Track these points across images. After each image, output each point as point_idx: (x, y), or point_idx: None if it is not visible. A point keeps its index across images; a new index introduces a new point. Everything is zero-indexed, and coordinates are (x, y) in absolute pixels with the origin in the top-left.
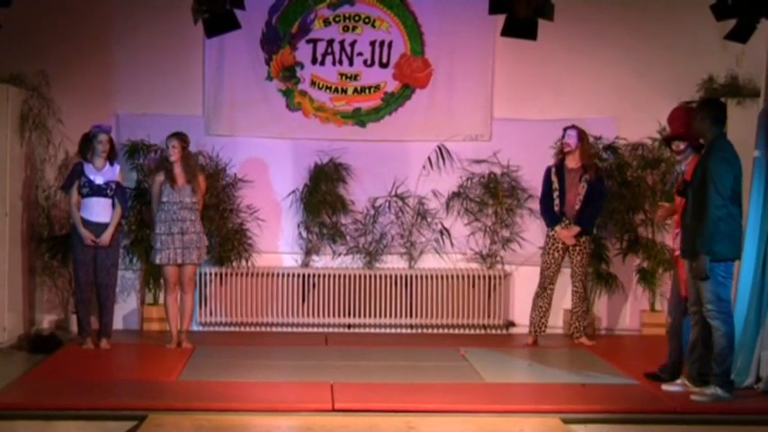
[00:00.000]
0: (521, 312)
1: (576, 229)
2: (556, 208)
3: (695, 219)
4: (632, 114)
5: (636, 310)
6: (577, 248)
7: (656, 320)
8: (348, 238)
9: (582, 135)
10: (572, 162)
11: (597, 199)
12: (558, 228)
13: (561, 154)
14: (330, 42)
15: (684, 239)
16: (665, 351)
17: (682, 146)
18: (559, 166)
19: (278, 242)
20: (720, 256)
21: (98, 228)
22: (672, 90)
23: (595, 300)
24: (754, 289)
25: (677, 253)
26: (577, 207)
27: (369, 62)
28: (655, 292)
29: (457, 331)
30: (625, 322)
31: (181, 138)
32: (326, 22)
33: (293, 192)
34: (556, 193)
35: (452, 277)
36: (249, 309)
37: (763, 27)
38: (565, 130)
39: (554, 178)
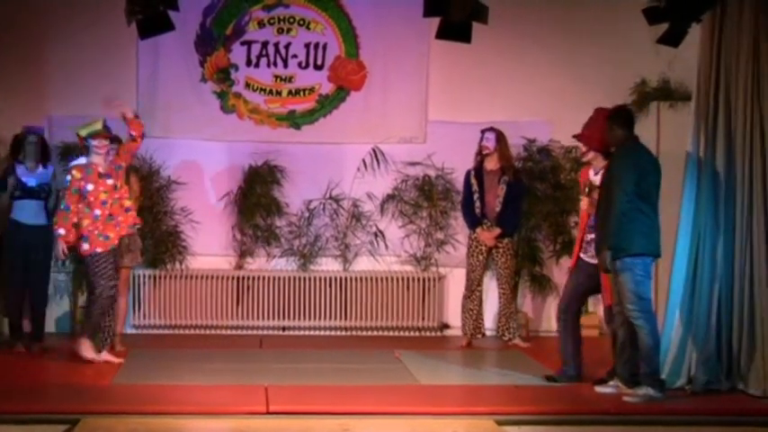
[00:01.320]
0: (455, 314)
1: (498, 230)
2: (477, 210)
3: (604, 217)
4: (566, 117)
5: None
6: (501, 250)
7: (590, 322)
8: (282, 240)
9: (500, 137)
10: (491, 164)
11: (517, 200)
12: (479, 230)
13: (480, 156)
14: (265, 44)
15: (596, 238)
16: (597, 352)
17: (584, 148)
18: (478, 169)
19: (212, 244)
20: (634, 251)
21: (32, 230)
22: (606, 93)
23: (529, 302)
24: (686, 289)
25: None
26: (498, 209)
27: (303, 64)
28: None
29: (392, 333)
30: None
31: (118, 141)
32: (261, 24)
33: (228, 194)
34: (476, 196)
35: (387, 279)
36: (184, 311)
37: (695, 31)
38: (483, 132)
39: (473, 181)
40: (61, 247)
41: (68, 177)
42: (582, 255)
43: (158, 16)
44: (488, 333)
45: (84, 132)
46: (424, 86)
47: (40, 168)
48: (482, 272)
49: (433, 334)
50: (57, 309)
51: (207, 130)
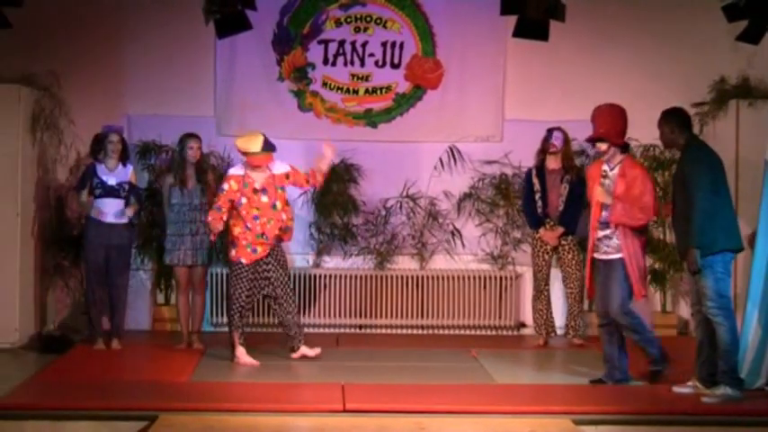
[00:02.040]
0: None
1: (561, 229)
2: (539, 210)
3: (683, 219)
4: (644, 115)
5: (648, 311)
6: (566, 248)
7: (667, 321)
8: (359, 238)
9: (567, 137)
10: (553, 163)
11: (579, 199)
12: (542, 230)
13: (542, 155)
14: (341, 43)
15: (677, 240)
16: (676, 352)
17: (604, 146)
18: (539, 168)
19: (289, 243)
20: (717, 248)
21: (111, 228)
22: (683, 91)
23: None
24: (765, 289)
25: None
26: (560, 208)
27: (380, 63)
28: (666, 294)
29: (468, 332)
30: None
31: (199, 139)
32: (338, 23)
33: (304, 192)
34: (538, 195)
35: (463, 278)
36: (260, 309)
37: None
38: (550, 131)
39: (535, 180)
40: (211, 237)
41: (225, 186)
42: (594, 254)
43: (236, 15)
44: (560, 332)
45: (241, 147)
46: (500, 85)
47: (120, 167)
48: (548, 271)
49: (510, 333)
50: (136, 306)
51: (283, 129)
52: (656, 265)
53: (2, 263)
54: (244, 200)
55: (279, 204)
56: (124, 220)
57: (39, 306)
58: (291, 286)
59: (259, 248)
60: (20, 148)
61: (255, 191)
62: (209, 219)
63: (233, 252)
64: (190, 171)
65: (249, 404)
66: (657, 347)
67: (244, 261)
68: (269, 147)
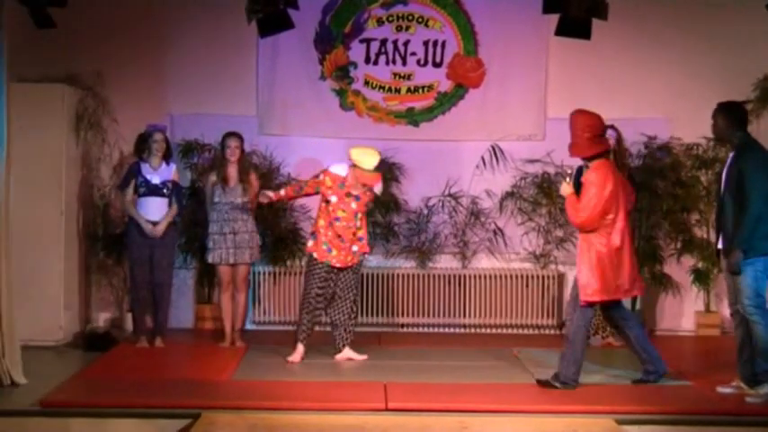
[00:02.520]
0: None
1: None
2: None
3: (732, 218)
4: (687, 114)
5: (690, 311)
6: None
7: (711, 321)
8: (401, 237)
9: (620, 136)
10: None
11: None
12: None
13: None
14: (383, 42)
15: (723, 238)
16: (719, 352)
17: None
18: None
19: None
20: (762, 252)
21: (154, 225)
22: (726, 89)
23: (650, 300)
24: None
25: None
26: None
27: (422, 62)
28: (709, 293)
29: (510, 331)
30: (680, 323)
31: (239, 138)
32: (380, 22)
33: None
34: None
35: (505, 277)
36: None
37: None
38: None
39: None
40: (269, 195)
41: (320, 176)
42: None
43: (278, 14)
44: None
45: (356, 160)
46: (542, 83)
47: (163, 166)
48: None
49: (552, 332)
50: (178, 305)
51: (325, 128)
52: (699, 265)
53: (46, 261)
54: (335, 198)
55: (359, 217)
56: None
57: (83, 304)
58: (357, 292)
59: (334, 251)
60: (64, 147)
61: (349, 194)
62: (277, 193)
63: (310, 243)
64: (231, 170)
65: (291, 402)
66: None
67: (315, 256)
68: (379, 168)
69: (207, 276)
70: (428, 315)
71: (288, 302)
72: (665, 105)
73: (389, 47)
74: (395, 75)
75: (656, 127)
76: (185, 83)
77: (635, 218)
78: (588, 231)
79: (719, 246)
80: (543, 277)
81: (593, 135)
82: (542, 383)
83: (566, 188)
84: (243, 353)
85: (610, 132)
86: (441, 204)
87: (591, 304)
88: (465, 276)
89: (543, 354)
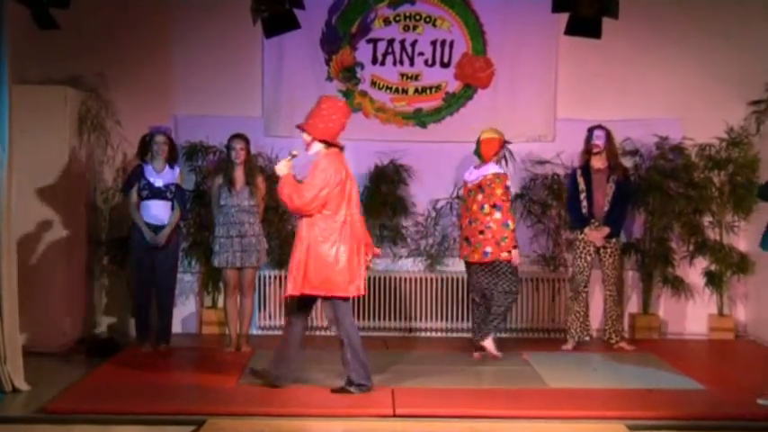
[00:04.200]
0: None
1: (606, 229)
2: (584, 210)
3: None
4: (699, 114)
5: (703, 314)
6: (608, 251)
7: (724, 324)
8: (409, 240)
9: (609, 135)
10: (598, 163)
11: (625, 199)
12: (587, 230)
13: (587, 155)
14: (390, 42)
15: None
16: (733, 356)
17: (306, 138)
18: (585, 167)
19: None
20: None
21: (157, 230)
22: (740, 90)
23: (662, 304)
24: None
25: None
26: (606, 208)
27: (430, 62)
28: (723, 296)
29: (520, 335)
30: (692, 326)
31: (245, 139)
32: (387, 22)
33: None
34: (583, 195)
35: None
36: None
37: None
38: (591, 130)
39: (580, 179)
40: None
41: (508, 183)
42: None
43: (284, 14)
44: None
45: (502, 137)
46: (552, 84)
47: (167, 169)
48: (589, 273)
49: (563, 336)
50: (183, 309)
51: None
52: (712, 267)
53: (49, 265)
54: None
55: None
56: (170, 222)
57: (86, 309)
58: (506, 286)
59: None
60: (66, 149)
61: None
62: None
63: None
64: (238, 172)
65: (298, 408)
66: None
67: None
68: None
69: (212, 280)
70: (436, 319)
71: None
72: (677, 105)
73: (397, 47)
74: (402, 75)
75: (668, 127)
76: (190, 84)
77: (646, 219)
78: (305, 220)
79: None
80: (553, 280)
81: (338, 122)
82: (337, 391)
83: (283, 167)
84: (249, 358)
85: (597, 133)
86: (449, 206)
87: (292, 297)
88: None
89: (554, 358)
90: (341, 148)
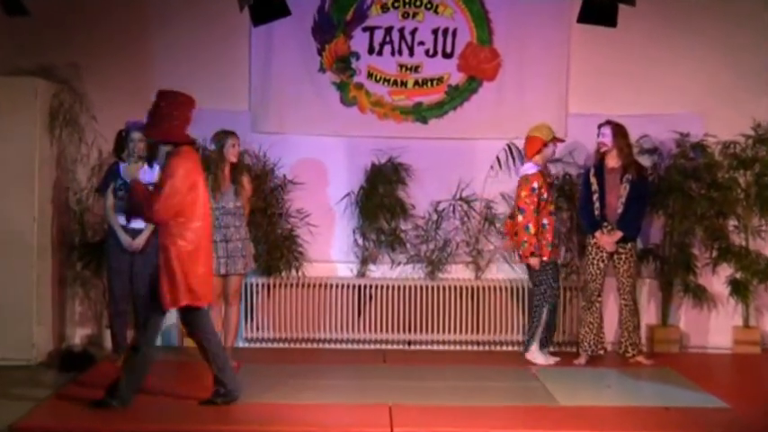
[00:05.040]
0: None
1: (618, 234)
2: (596, 212)
3: None
4: (723, 110)
5: (727, 326)
6: (623, 256)
7: (750, 337)
8: (408, 245)
9: (616, 131)
10: (611, 161)
11: (641, 200)
12: (598, 233)
13: (599, 154)
14: (388, 30)
15: None
16: (760, 371)
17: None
18: (598, 167)
19: (331, 250)
20: None
21: (134, 234)
22: (764, 83)
23: (682, 315)
24: None
25: None
26: (620, 210)
27: (431, 52)
28: (749, 306)
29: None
30: (715, 339)
31: (238, 136)
32: (384, 8)
33: (348, 195)
34: (595, 196)
35: (523, 289)
36: (300, 323)
37: None
38: (599, 127)
39: (593, 180)
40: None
41: (535, 185)
42: None
43: (273, 1)
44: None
45: (547, 136)
46: (563, 76)
47: (146, 168)
48: (603, 281)
49: (574, 349)
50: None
51: (325, 125)
52: (738, 275)
53: (18, 272)
54: (545, 195)
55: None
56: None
57: (58, 319)
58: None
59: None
60: (37, 146)
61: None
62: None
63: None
64: (225, 172)
65: (289, 427)
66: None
67: (545, 259)
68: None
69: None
70: (438, 331)
71: (283, 317)
72: (698, 100)
73: (395, 36)
74: (401, 66)
75: (688, 123)
76: (171, 76)
77: (666, 223)
78: (162, 229)
79: None
80: (564, 289)
81: (182, 117)
82: (96, 405)
83: (132, 172)
84: (235, 373)
85: (603, 130)
86: (451, 209)
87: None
88: (478, 288)
89: (565, 373)
90: (192, 143)
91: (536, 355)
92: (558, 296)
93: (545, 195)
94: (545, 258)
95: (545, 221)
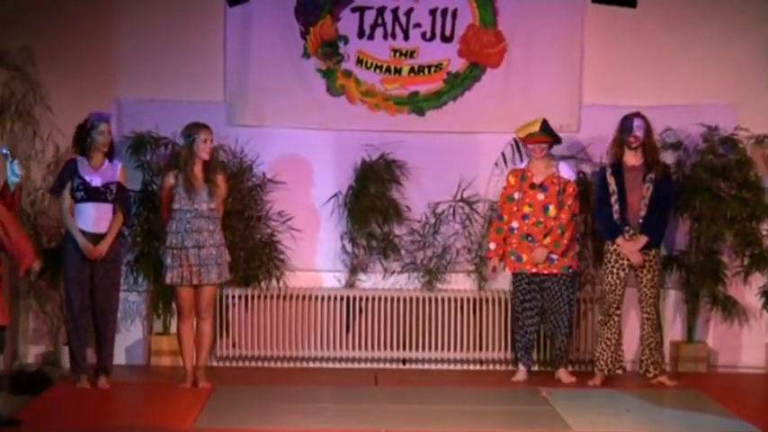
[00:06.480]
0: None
1: (643, 239)
2: (615, 215)
3: None
4: (756, 99)
5: (760, 343)
6: (646, 264)
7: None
8: (403, 252)
9: (649, 126)
10: (633, 159)
11: (665, 202)
12: (620, 240)
13: (620, 149)
14: (381, 11)
15: None
16: None
17: None
18: (616, 164)
19: (316, 257)
20: None
21: (95, 240)
22: None
23: (711, 329)
24: None
25: None
26: (642, 213)
27: (428, 35)
28: None
29: (537, 368)
30: (747, 357)
31: (212, 130)
32: None
33: (335, 195)
34: (614, 198)
35: None
36: (281, 339)
37: None
38: (629, 119)
39: (610, 179)
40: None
41: (509, 182)
42: None
43: None
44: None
45: (521, 134)
46: (577, 63)
47: (106, 164)
48: (623, 292)
49: (587, 369)
50: (127, 336)
51: (310, 117)
52: None
53: None
54: (517, 195)
55: (552, 209)
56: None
57: (9, 336)
58: (567, 301)
59: (524, 257)
60: None
61: (533, 186)
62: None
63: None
64: (197, 169)
65: None
66: None
67: (508, 270)
68: (549, 131)
69: (163, 301)
70: (436, 348)
71: (263, 333)
72: (728, 89)
73: (388, 17)
74: (395, 51)
75: (717, 115)
76: (136, 63)
77: (692, 227)
78: None
79: None
80: (578, 301)
81: None
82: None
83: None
84: (207, 395)
85: (637, 123)
86: (451, 211)
87: None
88: (481, 300)
89: (579, 395)
90: None
91: (562, 374)
92: (521, 319)
93: (515, 195)
94: (507, 269)
95: (514, 225)
